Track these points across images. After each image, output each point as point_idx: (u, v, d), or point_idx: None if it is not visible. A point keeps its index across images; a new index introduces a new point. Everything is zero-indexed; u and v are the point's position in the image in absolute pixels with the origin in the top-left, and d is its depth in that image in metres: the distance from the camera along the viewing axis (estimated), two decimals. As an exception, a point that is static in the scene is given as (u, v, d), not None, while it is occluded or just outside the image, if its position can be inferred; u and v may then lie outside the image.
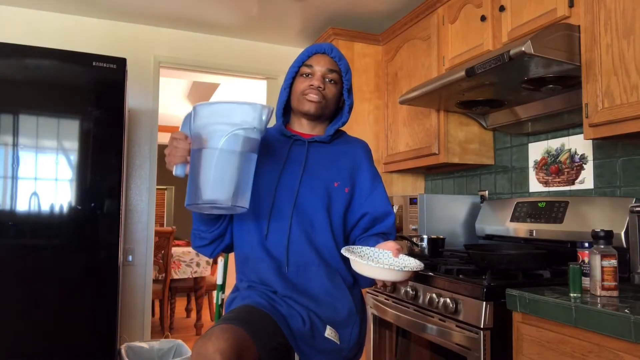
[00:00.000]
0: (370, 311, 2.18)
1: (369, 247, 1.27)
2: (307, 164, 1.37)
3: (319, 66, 1.38)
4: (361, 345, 1.38)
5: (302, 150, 1.39)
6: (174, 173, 1.18)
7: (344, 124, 1.45)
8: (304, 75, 1.39)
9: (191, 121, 1.13)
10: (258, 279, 1.33)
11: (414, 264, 1.21)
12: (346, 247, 1.22)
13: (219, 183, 1.08)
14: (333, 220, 1.35)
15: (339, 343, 1.29)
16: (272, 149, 1.41)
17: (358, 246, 1.27)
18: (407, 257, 1.25)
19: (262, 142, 1.45)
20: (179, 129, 1.18)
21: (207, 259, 4.40)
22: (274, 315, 1.23)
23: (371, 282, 1.38)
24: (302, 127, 1.44)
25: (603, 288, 1.36)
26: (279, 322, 1.22)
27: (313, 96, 1.36)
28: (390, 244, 1.26)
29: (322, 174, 1.37)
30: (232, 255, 1.54)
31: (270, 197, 1.33)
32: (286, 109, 1.47)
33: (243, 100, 1.13)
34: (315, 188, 1.35)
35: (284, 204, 1.33)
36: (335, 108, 1.45)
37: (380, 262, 1.21)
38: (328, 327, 1.29)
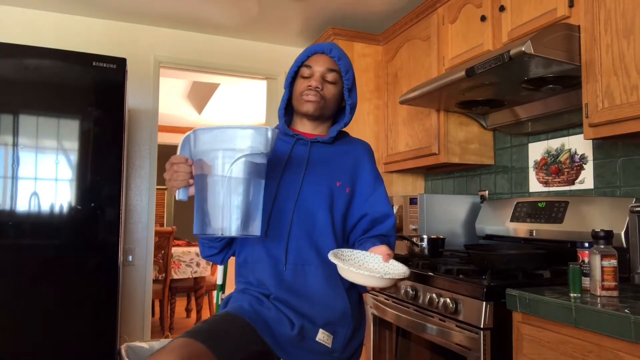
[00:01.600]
0: (370, 311, 2.18)
1: (360, 251, 1.26)
2: (309, 163, 1.37)
3: (318, 66, 1.38)
4: (357, 349, 1.37)
5: (304, 150, 1.39)
6: (177, 198, 1.16)
7: (346, 124, 1.45)
8: (303, 76, 1.39)
9: (191, 144, 1.10)
10: (255, 279, 1.33)
11: (398, 270, 1.20)
12: (334, 250, 1.22)
13: (227, 212, 1.05)
14: (335, 219, 1.35)
15: (330, 346, 1.29)
16: (274, 148, 1.41)
17: (348, 250, 1.26)
18: (396, 263, 1.24)
19: None
20: (178, 152, 1.15)
21: (207, 259, 4.39)
22: (254, 323, 1.23)
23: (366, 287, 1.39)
24: (304, 126, 1.44)
25: (603, 288, 1.36)
26: (260, 331, 1.23)
27: (311, 97, 1.36)
28: (382, 249, 1.26)
29: (324, 173, 1.37)
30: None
31: (272, 195, 1.33)
32: (288, 109, 1.47)
33: (245, 124, 1.09)
34: (318, 187, 1.35)
35: (285, 202, 1.33)
36: (337, 108, 1.45)
37: (363, 267, 1.20)
38: (321, 331, 1.29)
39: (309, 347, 1.27)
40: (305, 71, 1.39)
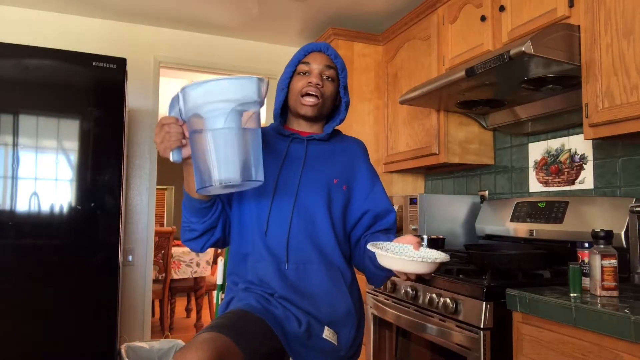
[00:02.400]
0: (370, 311, 2.18)
1: (389, 242, 1.24)
2: (306, 160, 1.37)
3: (316, 63, 1.38)
4: (359, 346, 1.37)
5: (301, 148, 1.39)
6: (171, 159, 1.13)
7: (341, 121, 1.45)
8: (302, 74, 1.39)
9: (180, 104, 1.08)
10: (256, 278, 1.32)
11: (441, 255, 1.18)
12: (371, 242, 1.19)
13: (230, 162, 1.04)
14: (334, 217, 1.35)
15: (336, 344, 1.29)
16: (271, 146, 1.41)
17: (379, 242, 1.23)
18: (428, 249, 1.22)
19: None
20: (168, 113, 1.13)
21: (207, 259, 4.40)
22: (268, 320, 1.22)
23: (383, 280, 1.37)
24: (299, 125, 1.44)
25: (603, 288, 1.36)
26: (273, 327, 1.22)
27: (309, 99, 1.36)
28: (410, 238, 1.23)
29: (322, 171, 1.37)
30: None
31: (270, 194, 1.33)
32: (284, 108, 1.46)
33: (234, 75, 1.09)
34: (316, 184, 1.35)
35: (284, 201, 1.33)
36: (332, 106, 1.45)
37: (408, 255, 1.18)
38: (326, 328, 1.28)
39: (316, 346, 1.26)
40: (303, 68, 1.39)
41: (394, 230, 1.44)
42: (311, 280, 1.30)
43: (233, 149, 1.05)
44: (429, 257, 1.15)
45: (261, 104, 1.09)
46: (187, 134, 1.12)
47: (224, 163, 1.04)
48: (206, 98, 1.04)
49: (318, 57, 1.39)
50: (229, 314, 1.23)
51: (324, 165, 1.39)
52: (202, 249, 1.36)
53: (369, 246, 1.16)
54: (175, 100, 1.12)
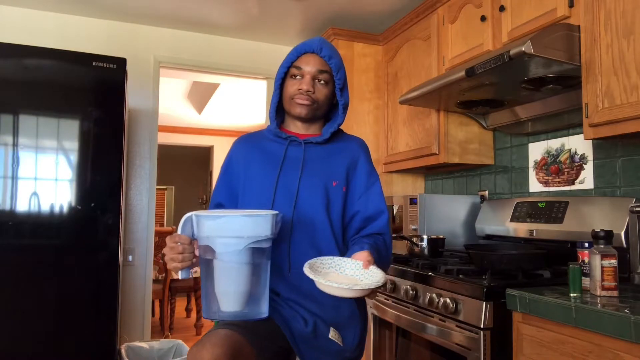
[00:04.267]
0: (370, 311, 2.18)
1: (340, 258, 1.24)
2: (304, 164, 1.36)
3: (309, 67, 1.33)
4: (362, 346, 1.37)
5: (298, 151, 1.38)
6: (180, 276, 1.18)
7: (339, 125, 1.42)
8: (293, 77, 1.35)
9: (194, 226, 1.10)
10: None
11: (372, 280, 1.16)
12: (311, 261, 1.19)
13: (237, 296, 1.06)
14: (333, 220, 1.35)
15: (342, 345, 1.29)
16: (268, 150, 1.39)
17: (329, 257, 1.24)
18: (376, 269, 1.20)
19: (258, 143, 1.43)
20: (179, 231, 1.13)
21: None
22: (275, 319, 1.22)
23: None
24: (296, 127, 1.42)
25: (603, 288, 1.36)
26: (280, 325, 1.22)
27: (302, 100, 1.33)
28: (363, 255, 1.22)
29: (320, 174, 1.36)
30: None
31: (270, 199, 1.32)
32: (279, 108, 1.44)
33: (248, 211, 1.09)
34: (315, 188, 1.34)
35: (283, 206, 1.32)
36: (329, 107, 1.43)
37: (333, 279, 1.17)
38: (332, 328, 1.28)
39: (322, 346, 1.26)
40: (295, 72, 1.35)
41: (387, 233, 1.40)
42: (314, 284, 1.29)
43: (240, 284, 1.06)
44: (360, 281, 1.15)
45: (274, 237, 1.10)
46: (197, 253, 1.13)
47: (232, 296, 1.06)
48: (219, 232, 1.05)
49: (311, 60, 1.34)
50: None
51: (322, 168, 1.37)
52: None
53: (305, 268, 1.14)
54: (188, 220, 1.13)
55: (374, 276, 1.18)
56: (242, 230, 1.04)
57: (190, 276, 1.21)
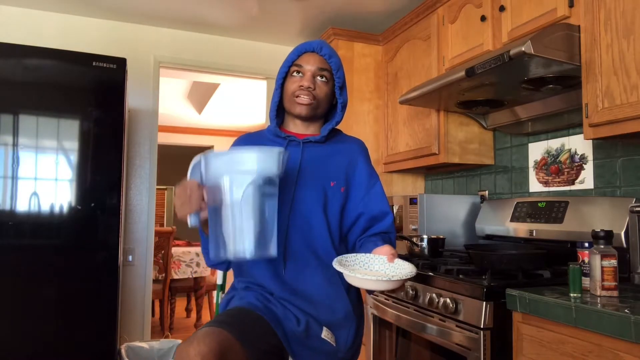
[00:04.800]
0: (370, 311, 2.18)
1: (363, 254, 1.25)
2: (302, 164, 1.36)
3: (309, 65, 1.36)
4: (358, 347, 1.37)
5: (297, 151, 1.38)
6: (189, 223, 1.15)
7: (337, 123, 1.44)
8: (294, 75, 1.37)
9: (202, 169, 1.09)
10: (255, 281, 1.33)
11: (406, 271, 1.18)
12: (338, 258, 1.20)
13: (245, 235, 1.05)
14: (330, 220, 1.35)
15: (334, 345, 1.29)
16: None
17: (352, 255, 1.25)
18: (402, 261, 1.22)
19: (257, 142, 1.44)
20: (188, 177, 1.14)
21: (207, 259, 4.40)
22: (267, 317, 1.23)
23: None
24: (296, 127, 1.43)
25: (603, 288, 1.36)
26: (273, 324, 1.22)
27: (303, 98, 1.35)
28: (386, 249, 1.24)
29: (318, 174, 1.36)
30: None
31: None
32: (279, 109, 1.45)
33: (255, 146, 1.10)
34: (312, 188, 1.34)
35: (280, 206, 1.32)
36: (329, 106, 1.44)
37: (369, 272, 1.19)
38: (325, 328, 1.28)
39: (315, 346, 1.26)
40: (296, 69, 1.37)
41: (393, 232, 1.42)
42: (309, 283, 1.30)
43: (249, 222, 1.06)
44: (388, 275, 1.16)
45: (280, 175, 1.10)
46: (206, 199, 1.13)
47: (239, 235, 1.05)
48: (227, 168, 1.06)
49: (311, 58, 1.37)
50: (229, 311, 1.24)
51: (320, 167, 1.37)
52: (227, 269, 1.44)
53: (335, 264, 1.15)
54: (197, 165, 1.13)
55: (404, 268, 1.20)
56: (247, 165, 1.05)
57: (198, 223, 1.17)
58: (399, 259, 1.24)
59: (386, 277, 1.11)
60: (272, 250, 1.09)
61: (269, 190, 1.08)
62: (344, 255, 1.24)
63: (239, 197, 1.05)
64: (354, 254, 1.26)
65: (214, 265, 1.40)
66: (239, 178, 1.05)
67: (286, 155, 1.10)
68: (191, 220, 1.15)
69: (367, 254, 1.25)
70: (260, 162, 1.06)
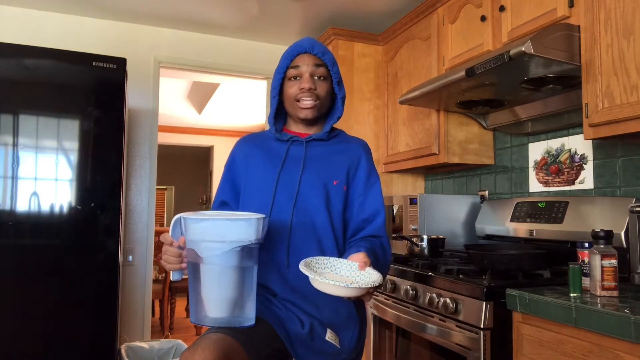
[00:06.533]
0: (370, 311, 2.18)
1: (335, 258, 1.23)
2: (306, 162, 1.36)
3: (305, 66, 1.35)
4: (361, 348, 1.37)
5: (300, 150, 1.38)
6: (171, 278, 1.20)
7: (339, 118, 1.43)
8: (292, 79, 1.36)
9: (182, 229, 1.09)
10: (258, 282, 1.32)
11: (368, 279, 1.15)
12: (307, 259, 1.19)
13: (222, 301, 1.05)
14: (334, 219, 1.34)
15: (339, 347, 1.28)
16: (270, 149, 1.40)
17: (325, 257, 1.24)
18: (372, 270, 1.19)
19: (260, 142, 1.44)
20: (170, 233, 1.14)
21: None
22: (271, 321, 1.22)
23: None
24: (298, 127, 1.43)
25: (603, 288, 1.36)
26: (276, 327, 1.22)
27: (306, 102, 1.34)
28: (359, 256, 1.21)
29: (321, 172, 1.36)
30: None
31: (270, 197, 1.33)
32: (279, 110, 1.44)
33: (234, 214, 1.09)
34: (316, 187, 1.34)
35: (284, 204, 1.32)
36: (330, 103, 1.43)
37: (333, 277, 1.16)
38: (329, 330, 1.28)
39: (319, 348, 1.26)
40: (293, 72, 1.36)
41: (384, 236, 1.40)
42: (311, 284, 1.29)
43: (225, 289, 1.05)
44: (349, 282, 1.13)
45: (259, 242, 1.09)
46: (185, 257, 1.13)
47: (217, 301, 1.05)
48: (203, 236, 1.04)
49: (306, 58, 1.36)
50: None
51: (323, 166, 1.37)
52: None
53: (301, 265, 1.14)
54: (177, 223, 1.13)
55: (368, 277, 1.17)
56: (225, 235, 1.03)
57: (182, 278, 1.21)
58: (370, 268, 1.20)
59: (344, 284, 1.09)
60: (250, 315, 1.08)
61: (246, 259, 1.07)
62: (316, 257, 1.22)
63: (214, 264, 1.04)
64: (327, 257, 1.24)
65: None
66: (217, 246, 1.03)
67: (265, 222, 1.09)
68: (173, 276, 1.18)
69: (340, 259, 1.24)
70: (237, 232, 1.04)
